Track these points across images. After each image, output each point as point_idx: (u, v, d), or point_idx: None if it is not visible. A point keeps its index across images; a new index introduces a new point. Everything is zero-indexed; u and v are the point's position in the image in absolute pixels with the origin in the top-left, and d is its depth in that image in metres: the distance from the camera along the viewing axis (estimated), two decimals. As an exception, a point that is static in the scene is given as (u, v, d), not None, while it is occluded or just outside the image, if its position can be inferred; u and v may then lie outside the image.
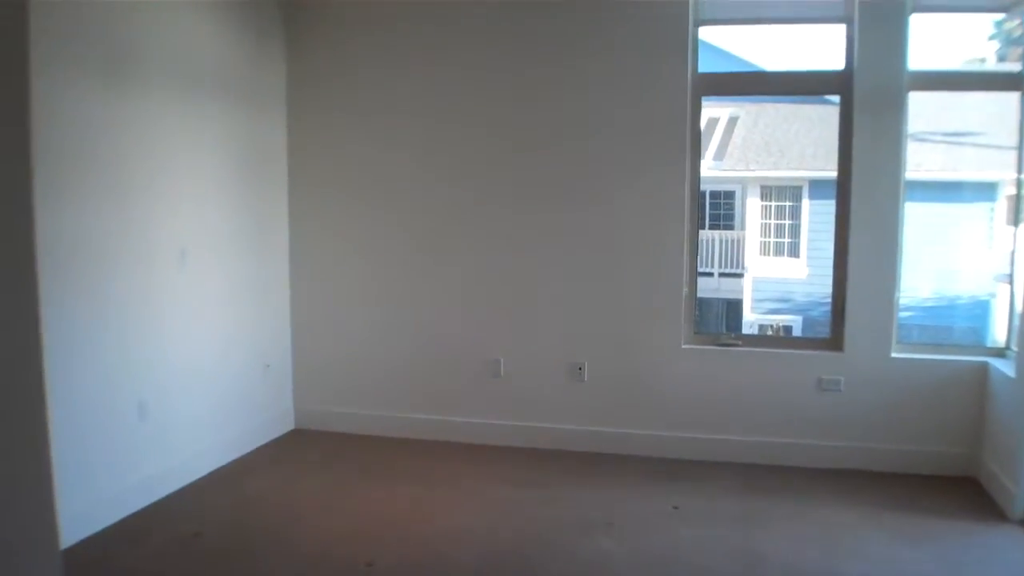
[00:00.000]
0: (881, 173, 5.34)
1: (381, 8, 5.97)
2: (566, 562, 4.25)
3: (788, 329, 13.71)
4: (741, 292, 14.20)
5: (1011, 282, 5.40)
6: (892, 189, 5.34)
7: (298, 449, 5.98)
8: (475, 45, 5.84)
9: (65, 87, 4.14)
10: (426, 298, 6.08)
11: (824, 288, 12.80)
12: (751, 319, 14.10)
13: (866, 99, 5.31)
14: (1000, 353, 5.37)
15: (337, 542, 4.42)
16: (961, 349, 5.78)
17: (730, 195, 14.46)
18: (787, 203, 14.11)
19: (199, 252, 5.22)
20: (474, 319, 6.02)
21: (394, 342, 6.15)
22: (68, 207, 4.16)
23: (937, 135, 11.79)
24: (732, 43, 10.25)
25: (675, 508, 4.89)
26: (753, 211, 14.35)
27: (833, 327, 5.63)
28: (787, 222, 14.14)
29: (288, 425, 6.29)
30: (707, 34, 5.75)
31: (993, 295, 11.48)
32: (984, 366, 5.28)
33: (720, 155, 13.85)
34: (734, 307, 14.20)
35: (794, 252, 14.14)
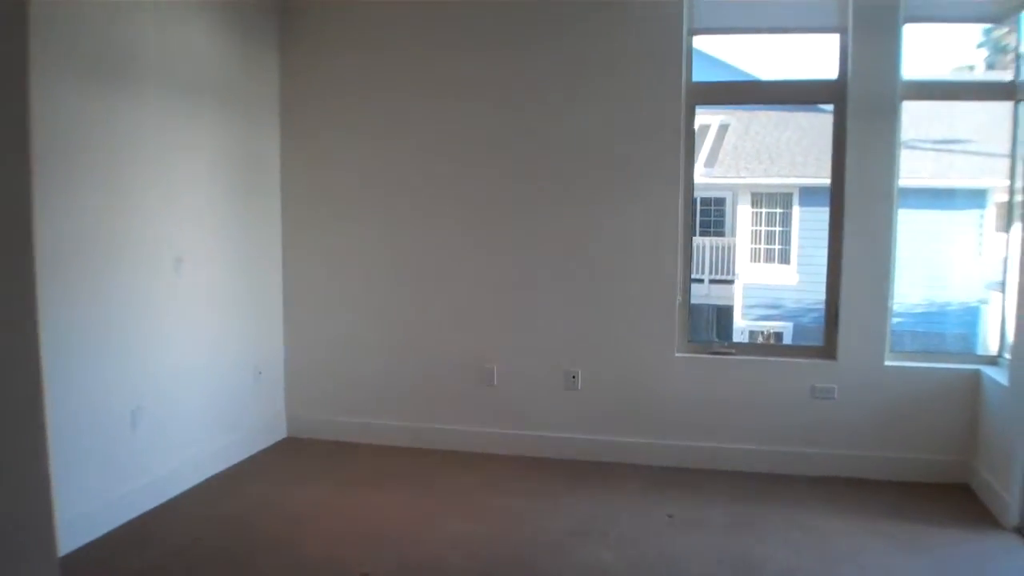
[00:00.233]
0: (875, 182, 5.36)
1: (376, 18, 5.96)
2: (562, 571, 4.24)
3: (779, 336, 13.73)
4: (732, 298, 14.21)
5: (1003, 290, 5.42)
6: (886, 198, 5.36)
7: (291, 457, 5.97)
8: (470, 56, 5.84)
9: (60, 92, 4.13)
10: (419, 306, 6.07)
11: (814, 295, 12.89)
12: (742, 325, 14.11)
13: (860, 108, 5.33)
14: (993, 361, 5.40)
15: (333, 551, 4.40)
16: (954, 357, 5.80)
17: (721, 202, 14.48)
18: (777, 210, 14.14)
19: (193, 259, 5.21)
20: (467, 327, 6.02)
21: (387, 350, 6.14)
22: (62, 212, 4.14)
23: (927, 142, 11.85)
24: (726, 52, 10.31)
25: (670, 517, 4.88)
26: (744, 218, 14.38)
27: (826, 335, 5.64)
28: (777, 229, 14.17)
29: (280, 433, 6.27)
30: (701, 43, 5.77)
31: (984, 301, 11.53)
32: (977, 374, 5.31)
33: (711, 162, 13.88)
34: (725, 313, 14.21)
35: (784, 259, 14.17)
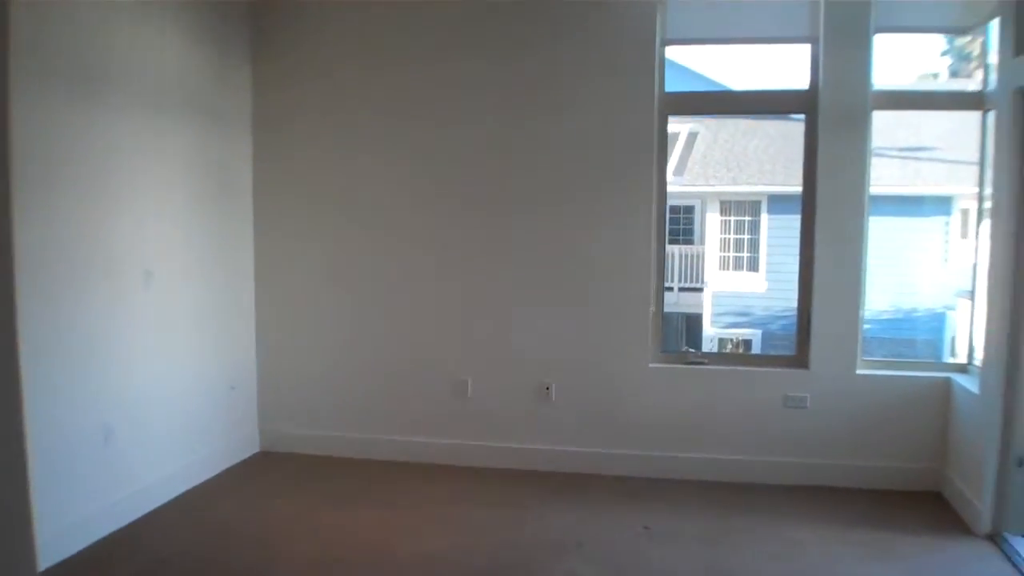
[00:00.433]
0: (846, 191, 5.40)
1: (350, 30, 5.93)
2: (539, 585, 4.22)
3: (748, 343, 13.82)
4: (701, 306, 14.29)
5: (972, 298, 5.47)
6: (857, 207, 5.39)
7: (264, 472, 5.89)
8: (445, 66, 5.81)
9: (30, 102, 4.05)
10: (393, 318, 6.03)
11: (783, 302, 12.99)
12: (711, 333, 14.19)
13: (831, 118, 5.37)
14: (962, 369, 5.45)
15: (307, 568, 4.35)
16: (924, 365, 5.85)
17: (690, 210, 14.56)
18: (746, 218, 14.24)
19: (164, 272, 5.14)
20: (441, 340, 5.99)
21: (361, 363, 6.09)
22: (33, 226, 4.06)
23: (892, 150, 11.98)
24: (697, 62, 10.36)
25: (646, 528, 4.87)
26: (713, 226, 14.46)
27: (799, 344, 5.66)
28: (746, 236, 14.27)
29: (253, 447, 6.20)
30: (673, 53, 5.78)
31: (950, 308, 11.67)
32: (947, 382, 5.35)
33: (680, 170, 13.94)
34: (694, 321, 14.28)
35: (753, 266, 14.27)
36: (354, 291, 6.07)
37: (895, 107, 5.80)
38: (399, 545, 4.63)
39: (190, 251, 5.45)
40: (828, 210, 5.43)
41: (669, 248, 14.09)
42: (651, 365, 5.74)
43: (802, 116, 5.61)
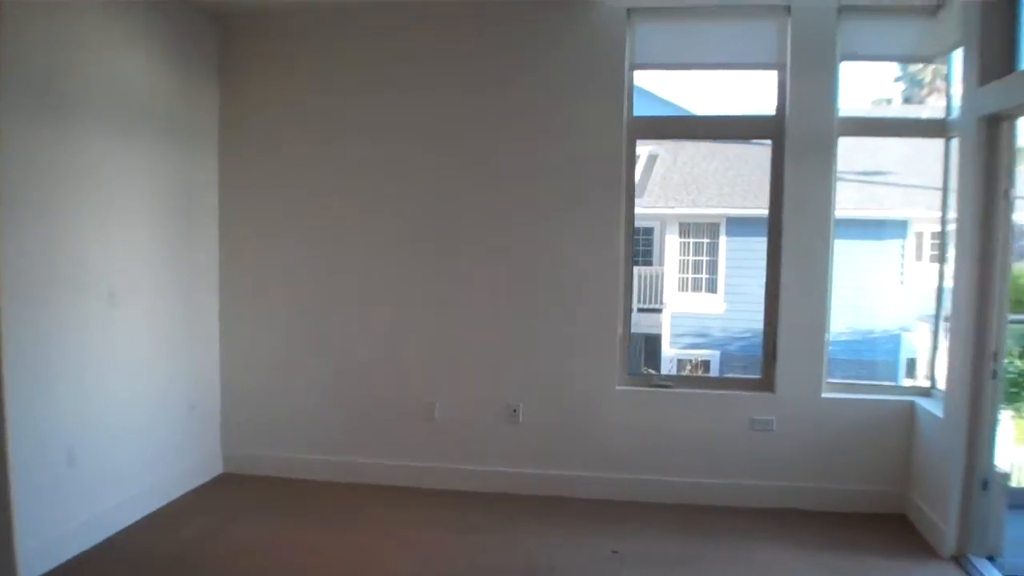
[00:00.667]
0: (812, 216, 5.45)
1: (315, 47, 5.89)
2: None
3: (706, 364, 13.90)
4: (660, 327, 14.34)
5: (935, 322, 5.54)
6: (823, 232, 5.45)
7: (227, 495, 5.78)
8: (413, 86, 5.79)
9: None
10: (360, 339, 5.98)
11: (741, 323, 13.10)
12: (670, 354, 14.24)
13: (798, 144, 5.43)
14: (926, 393, 5.51)
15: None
16: (888, 389, 5.92)
17: (649, 231, 14.62)
18: (705, 240, 14.35)
19: (129, 291, 5.08)
20: (408, 361, 5.94)
21: (326, 384, 6.02)
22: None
23: (850, 174, 12.15)
24: (663, 88, 10.45)
25: (615, 552, 4.86)
26: (672, 247, 14.55)
27: (764, 367, 5.69)
28: (705, 258, 14.37)
29: (216, 469, 6.10)
30: (640, 79, 5.82)
31: (906, 329, 11.84)
32: (911, 406, 5.42)
33: (640, 192, 13.96)
34: (653, 342, 14.32)
35: (712, 288, 14.37)
36: (320, 311, 6.01)
37: (861, 133, 5.89)
38: (365, 571, 4.58)
39: (154, 269, 5.38)
40: (794, 234, 5.48)
41: (630, 269, 14.23)
42: (618, 388, 5.74)
43: (767, 141, 5.67)
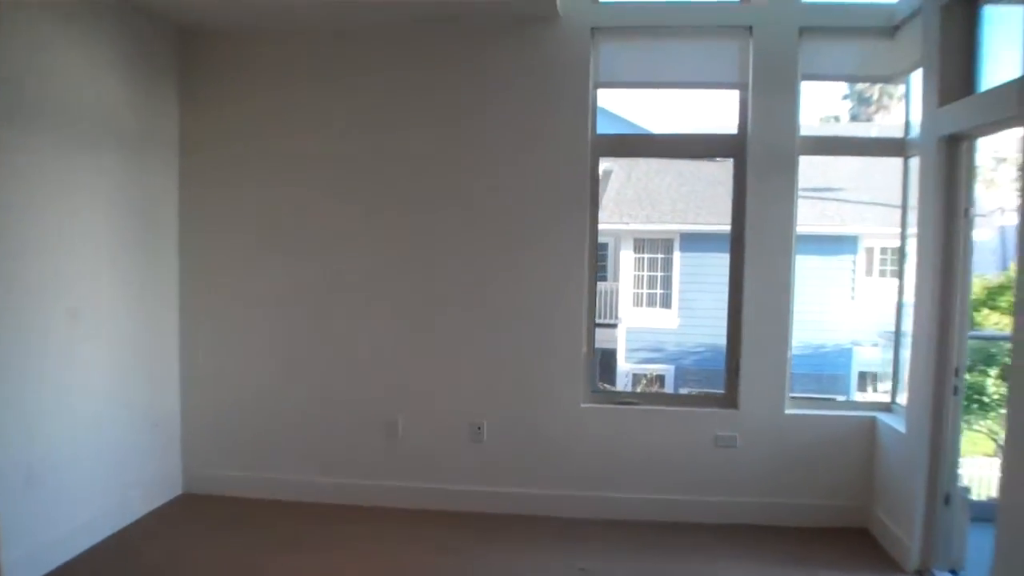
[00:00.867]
0: (774, 234, 5.51)
1: (277, 64, 5.83)
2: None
3: (661, 379, 13.99)
4: (615, 342, 14.41)
5: (896, 338, 5.61)
6: (784, 249, 5.52)
7: (187, 516, 5.66)
8: (376, 104, 5.75)
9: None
10: (322, 357, 5.90)
11: (694, 338, 13.18)
12: (625, 369, 14.32)
13: (759, 162, 5.48)
14: (886, 408, 5.57)
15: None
16: (850, 404, 5.98)
17: (604, 247, 14.68)
18: (659, 255, 14.45)
19: (88, 309, 4.97)
20: (371, 378, 5.87)
21: (288, 402, 5.93)
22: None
23: (802, 190, 12.33)
24: (624, 107, 10.49)
25: (582, 570, 4.84)
26: (626, 263, 14.63)
27: (728, 384, 5.72)
28: (659, 274, 14.47)
29: (176, 489, 5.97)
30: (601, 98, 5.85)
31: (857, 343, 12.03)
32: (872, 421, 5.48)
33: (594, 208, 14.07)
34: (608, 357, 14.38)
35: (666, 303, 14.47)
36: (282, 328, 5.93)
37: (821, 152, 5.98)
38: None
39: (115, 288, 5.27)
40: (757, 251, 5.53)
41: (586, 285, 14.28)
42: (583, 405, 5.73)
43: (727, 158, 5.73)
